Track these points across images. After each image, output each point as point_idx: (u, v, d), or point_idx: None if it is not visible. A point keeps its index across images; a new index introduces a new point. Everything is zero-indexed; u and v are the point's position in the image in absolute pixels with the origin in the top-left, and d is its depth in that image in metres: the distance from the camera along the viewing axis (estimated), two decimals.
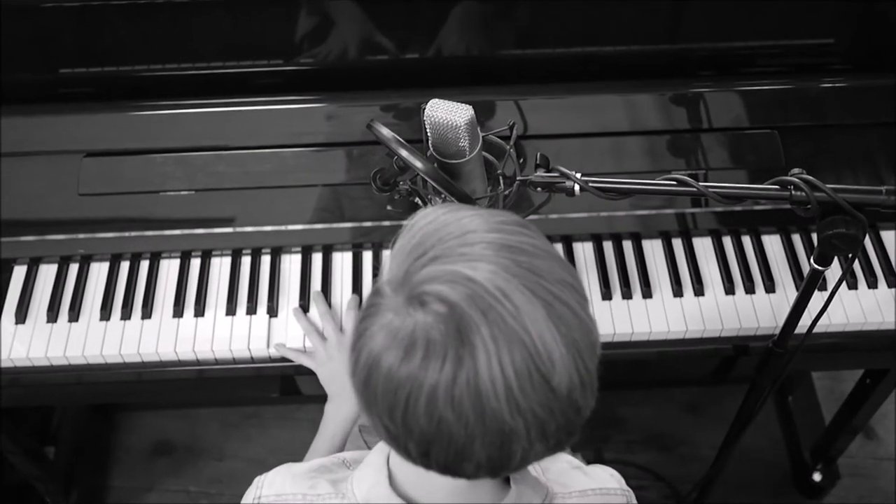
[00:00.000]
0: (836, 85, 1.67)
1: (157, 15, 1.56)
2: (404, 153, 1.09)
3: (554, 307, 0.78)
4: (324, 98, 1.63)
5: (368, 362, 0.80)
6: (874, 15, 1.63)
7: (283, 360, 1.56)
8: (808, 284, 1.31)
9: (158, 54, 1.62)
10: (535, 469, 1.04)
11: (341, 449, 1.43)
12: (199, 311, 1.59)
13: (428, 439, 0.79)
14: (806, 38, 1.67)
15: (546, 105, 1.64)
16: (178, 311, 1.59)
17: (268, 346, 1.55)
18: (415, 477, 0.89)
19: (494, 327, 0.75)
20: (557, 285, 0.79)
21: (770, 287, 1.61)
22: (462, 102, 1.15)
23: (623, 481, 1.13)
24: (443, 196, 1.20)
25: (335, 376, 1.50)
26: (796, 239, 1.67)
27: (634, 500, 1.12)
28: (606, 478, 1.11)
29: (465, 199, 1.12)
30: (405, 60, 1.63)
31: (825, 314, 1.54)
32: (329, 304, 1.59)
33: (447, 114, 1.11)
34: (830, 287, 1.42)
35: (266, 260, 1.65)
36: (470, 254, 0.79)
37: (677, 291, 1.60)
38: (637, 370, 1.72)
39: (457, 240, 0.80)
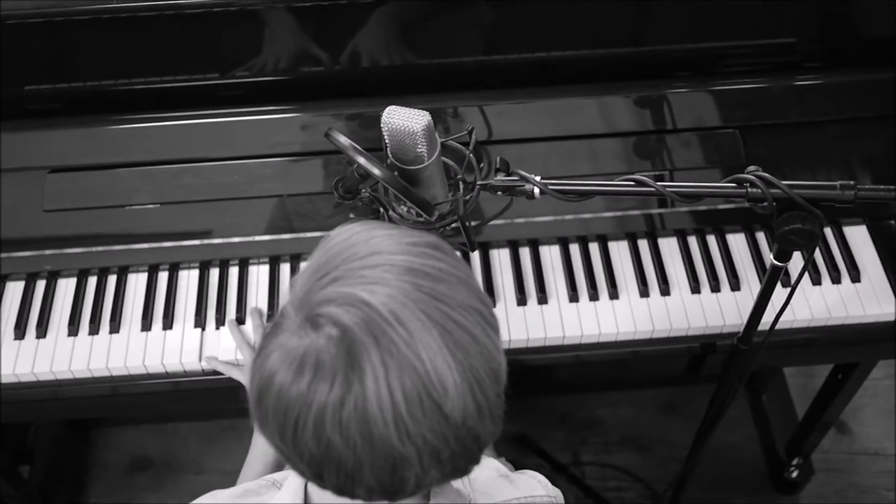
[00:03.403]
0: (799, 83, 1.68)
1: (121, 29, 1.56)
2: (362, 160, 1.09)
3: (452, 334, 0.78)
4: (289, 108, 1.63)
5: (261, 381, 0.80)
6: (834, 14, 1.65)
7: None
8: (769, 281, 1.32)
9: (123, 69, 1.62)
10: (461, 481, 1.04)
11: (277, 463, 1.42)
12: (168, 324, 1.59)
13: (318, 461, 0.79)
14: (768, 38, 1.69)
15: (511, 110, 1.65)
16: (147, 325, 1.59)
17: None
18: (331, 497, 0.88)
19: (385, 352, 0.75)
20: (459, 311, 0.79)
21: (735, 285, 1.62)
22: (426, 109, 1.16)
23: (550, 485, 1.13)
24: (404, 203, 1.20)
25: None
26: (760, 237, 1.69)
27: (562, 501, 1.12)
28: (534, 485, 1.11)
29: (424, 204, 1.13)
30: (370, 69, 1.64)
31: (790, 310, 1.58)
32: None
33: (404, 120, 1.12)
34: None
35: (234, 271, 1.65)
36: (370, 276, 0.79)
37: (644, 292, 1.61)
38: (607, 371, 1.73)
39: (360, 261, 0.80)
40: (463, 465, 0.84)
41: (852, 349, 1.69)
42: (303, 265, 1.63)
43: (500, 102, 1.64)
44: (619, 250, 1.67)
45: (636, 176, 1.20)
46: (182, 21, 1.54)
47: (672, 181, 1.64)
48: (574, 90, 1.67)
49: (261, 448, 1.43)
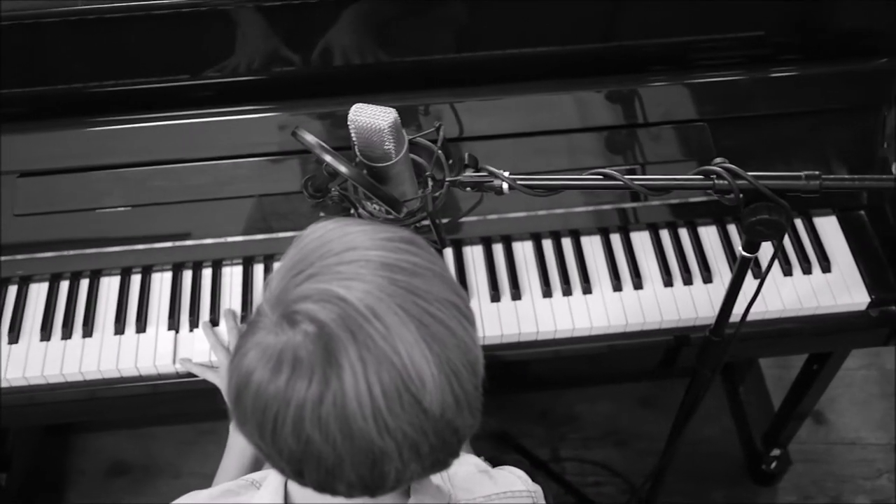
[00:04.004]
0: (770, 76, 1.68)
1: (91, 31, 1.55)
2: (329, 158, 1.10)
3: (429, 327, 0.78)
4: (261, 109, 1.62)
5: (239, 379, 0.80)
6: (802, 7, 1.66)
7: None
8: (739, 272, 1.33)
9: (93, 71, 1.61)
10: (440, 476, 1.04)
11: (253, 463, 1.42)
12: (141, 327, 1.58)
13: (298, 458, 0.80)
14: (737, 32, 1.69)
15: (482, 107, 1.65)
16: (120, 329, 1.58)
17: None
18: (311, 496, 0.88)
19: (363, 348, 0.76)
20: (436, 304, 0.80)
21: (707, 278, 1.63)
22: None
23: (529, 481, 1.13)
24: (373, 200, 1.21)
25: None
26: (732, 230, 1.70)
27: (542, 500, 1.12)
28: (513, 480, 1.11)
29: (392, 201, 1.13)
30: (341, 68, 1.64)
31: (762, 302, 1.59)
32: None
33: (371, 118, 1.12)
34: (768, 276, 1.44)
35: (207, 273, 1.65)
36: (346, 272, 0.79)
37: (617, 286, 1.62)
38: (584, 365, 1.74)
39: (336, 257, 0.80)
40: (443, 458, 0.85)
41: (825, 339, 1.70)
42: (276, 264, 1.64)
43: (472, 99, 1.64)
44: (592, 245, 1.67)
45: (604, 170, 1.21)
46: (152, 22, 1.53)
47: (644, 175, 1.65)
48: (545, 86, 1.67)
49: (237, 448, 1.43)
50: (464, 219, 1.64)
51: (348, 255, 0.80)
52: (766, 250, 1.30)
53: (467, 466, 1.12)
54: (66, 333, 1.58)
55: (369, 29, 1.58)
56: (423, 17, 1.61)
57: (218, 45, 1.60)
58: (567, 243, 1.67)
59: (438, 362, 0.78)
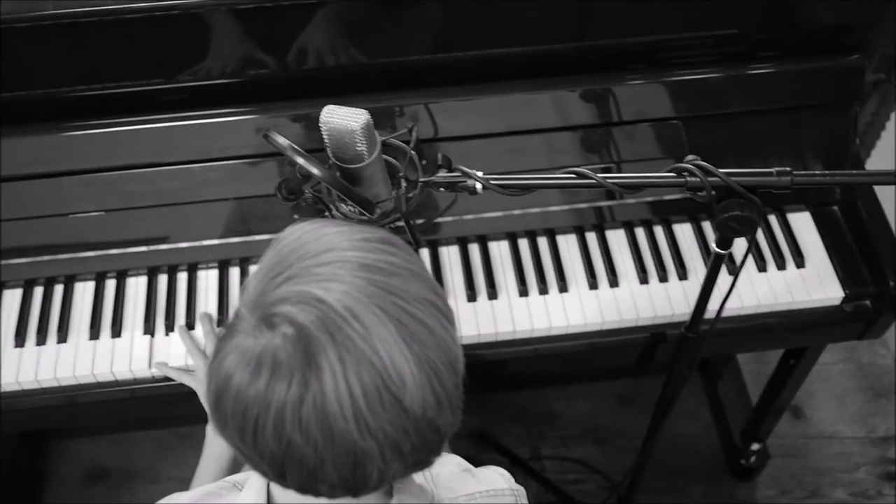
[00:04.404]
0: (744, 73, 1.68)
1: (62, 37, 1.54)
2: (301, 160, 1.09)
3: (408, 326, 0.78)
4: (233, 112, 1.61)
5: (219, 383, 0.80)
6: (773, 5, 1.67)
7: None
8: (712, 269, 1.33)
9: (63, 76, 1.60)
10: (423, 475, 1.04)
11: (231, 466, 1.41)
12: (117, 332, 1.58)
13: (279, 461, 0.80)
14: (709, 29, 1.70)
15: (457, 107, 1.65)
16: (95, 334, 1.57)
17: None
18: (294, 497, 0.88)
19: (342, 349, 0.76)
20: (414, 304, 0.80)
21: (683, 274, 1.64)
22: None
23: (512, 480, 1.13)
24: (347, 202, 1.20)
25: None
26: (707, 227, 1.70)
27: (524, 500, 1.12)
28: (496, 478, 1.12)
29: (365, 203, 1.13)
30: (315, 70, 1.63)
31: (737, 298, 1.60)
32: None
33: (343, 119, 1.12)
34: (743, 273, 1.45)
35: (183, 277, 1.64)
36: (324, 273, 0.79)
37: (593, 284, 1.63)
38: (562, 364, 1.73)
39: (313, 259, 0.80)
40: (425, 456, 0.85)
41: (800, 334, 1.71)
42: (253, 268, 1.64)
43: (447, 100, 1.64)
44: (568, 244, 1.68)
45: (577, 168, 1.21)
46: (124, 26, 1.52)
47: (619, 173, 1.65)
48: (519, 86, 1.67)
49: (215, 450, 1.43)
50: (439, 219, 1.64)
51: (326, 256, 0.80)
52: (741, 247, 1.31)
53: (450, 466, 1.12)
54: (41, 339, 1.57)
55: (343, 30, 1.58)
56: (398, 18, 1.61)
57: (191, 49, 1.59)
58: (543, 242, 1.68)
59: (418, 361, 0.78)
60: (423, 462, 0.86)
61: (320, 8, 1.55)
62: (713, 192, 1.19)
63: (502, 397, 2.50)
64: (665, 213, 1.70)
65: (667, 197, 1.68)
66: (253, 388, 0.77)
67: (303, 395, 0.76)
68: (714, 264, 1.33)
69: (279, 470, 0.81)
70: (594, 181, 1.20)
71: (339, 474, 0.80)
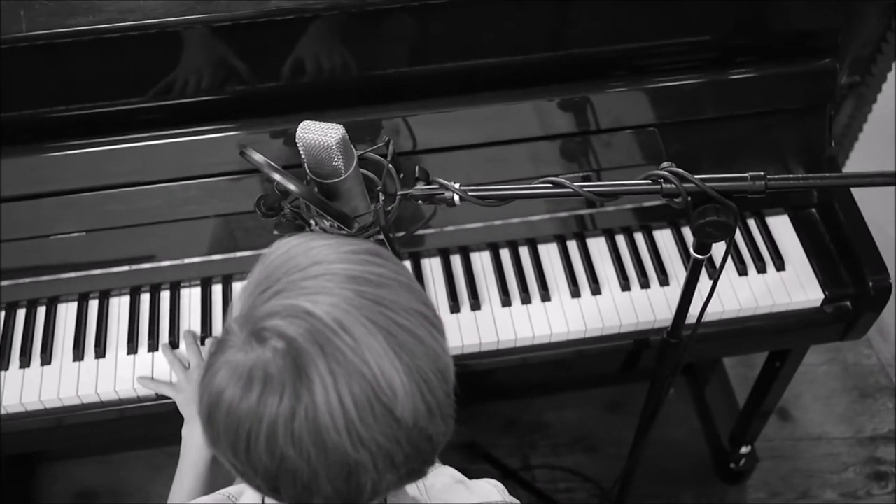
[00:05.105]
0: (720, 79, 1.69)
1: (35, 57, 1.54)
2: (277, 176, 1.10)
3: (397, 337, 0.79)
4: (210, 129, 1.61)
5: (210, 399, 0.80)
6: (746, 11, 1.68)
7: None
8: (692, 274, 1.34)
9: (38, 97, 1.60)
10: (416, 488, 1.04)
11: (208, 472, 1.41)
12: (101, 352, 1.58)
13: (273, 475, 0.80)
14: (684, 36, 1.71)
15: (435, 119, 1.65)
16: (79, 355, 1.57)
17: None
18: None
19: (332, 361, 0.76)
20: (403, 314, 0.80)
21: (664, 280, 1.65)
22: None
23: (507, 493, 1.13)
24: (327, 218, 1.21)
25: (190, 401, 1.48)
26: (687, 232, 1.71)
27: None
28: (490, 490, 1.12)
29: (342, 217, 1.13)
30: (293, 86, 1.63)
31: (719, 302, 1.61)
32: None
33: (318, 134, 1.12)
34: (723, 277, 1.46)
35: (165, 296, 1.64)
36: (312, 287, 0.79)
37: (575, 292, 1.63)
38: (547, 372, 1.74)
39: (301, 272, 0.81)
40: (418, 466, 0.85)
41: (782, 337, 1.72)
42: (236, 284, 1.64)
43: (425, 112, 1.64)
44: (549, 252, 1.68)
45: (553, 178, 1.22)
46: (100, 46, 1.52)
47: (599, 181, 1.67)
48: (497, 96, 1.67)
49: (191, 457, 1.43)
50: (421, 231, 1.64)
51: (314, 269, 0.81)
52: (721, 252, 1.32)
53: (444, 478, 1.12)
54: (25, 362, 1.57)
55: (321, 46, 1.58)
56: (375, 32, 1.61)
57: (168, 67, 1.58)
58: (524, 252, 1.68)
59: (408, 371, 0.79)
60: (417, 472, 0.86)
61: (296, 24, 1.55)
62: (689, 198, 1.20)
63: (491, 408, 2.50)
64: (645, 220, 1.71)
65: (646, 204, 1.69)
66: (245, 402, 0.77)
67: (294, 408, 0.76)
68: (693, 270, 1.34)
69: (273, 484, 0.81)
70: (570, 190, 1.20)
71: (334, 487, 0.80)
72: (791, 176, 1.21)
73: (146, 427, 1.64)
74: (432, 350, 0.82)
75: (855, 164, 2.43)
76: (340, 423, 0.76)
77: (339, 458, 0.78)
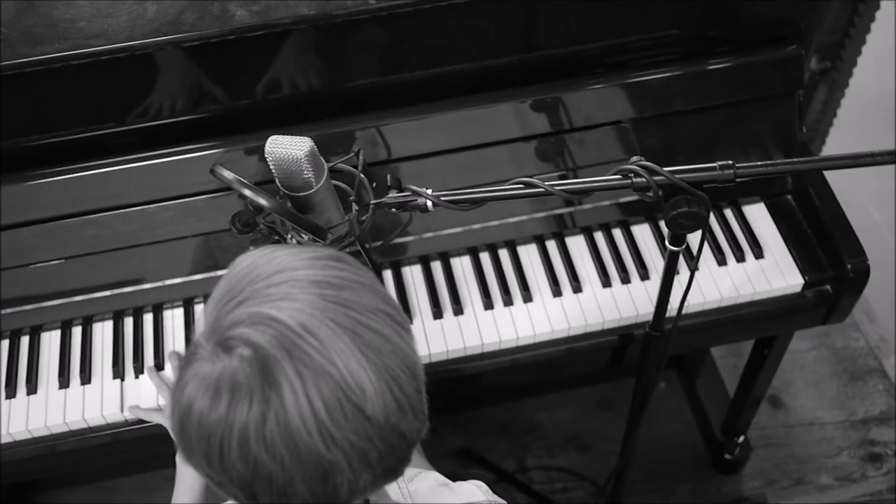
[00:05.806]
0: (685, 72, 1.69)
1: (11, 87, 1.53)
2: (248, 192, 1.10)
3: (362, 336, 0.80)
4: (184, 150, 1.61)
5: (181, 411, 0.81)
6: (712, 4, 1.69)
7: None
8: (669, 266, 1.35)
9: (9, 127, 1.59)
10: (400, 492, 1.05)
11: (205, 493, 1.41)
12: (86, 378, 1.58)
13: (248, 482, 0.80)
14: (651, 31, 1.72)
15: (407, 128, 1.65)
16: (65, 382, 1.57)
17: (157, 403, 1.54)
18: None
19: (299, 364, 0.77)
20: (367, 314, 0.81)
21: (644, 275, 1.66)
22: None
23: (490, 493, 1.14)
24: (302, 232, 1.21)
25: None
26: (664, 225, 1.71)
27: None
28: (473, 490, 1.12)
29: (316, 229, 1.14)
30: (264, 102, 1.64)
31: (700, 293, 1.62)
32: None
33: (287, 148, 1.13)
34: (703, 268, 1.46)
35: (149, 318, 1.64)
36: (275, 293, 0.80)
37: (556, 291, 1.64)
38: (536, 373, 1.74)
39: (265, 281, 0.81)
40: (393, 464, 0.86)
41: (766, 324, 1.73)
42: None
43: (397, 121, 1.64)
44: (529, 253, 1.69)
45: (524, 178, 1.23)
46: (70, 72, 1.52)
47: (573, 179, 1.67)
48: (469, 101, 1.67)
49: (186, 480, 1.43)
50: (400, 240, 1.65)
51: (276, 277, 0.82)
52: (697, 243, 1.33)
53: (428, 482, 1.13)
54: (10, 393, 1.57)
55: (290, 60, 1.59)
56: (344, 44, 1.62)
57: (140, 90, 1.58)
58: (504, 254, 1.69)
59: (376, 369, 0.79)
60: (393, 471, 0.87)
61: (266, 41, 1.55)
62: (660, 191, 1.20)
63: (483, 413, 2.50)
64: (623, 216, 1.72)
65: (623, 200, 1.70)
66: (215, 412, 0.78)
67: (264, 413, 0.76)
68: (669, 262, 1.34)
69: (250, 492, 0.81)
70: (542, 189, 1.21)
71: (310, 489, 0.80)
72: (759, 163, 1.22)
73: (140, 449, 1.64)
74: (399, 348, 0.83)
75: (831, 148, 2.45)
76: (311, 424, 0.77)
77: (312, 460, 0.78)
